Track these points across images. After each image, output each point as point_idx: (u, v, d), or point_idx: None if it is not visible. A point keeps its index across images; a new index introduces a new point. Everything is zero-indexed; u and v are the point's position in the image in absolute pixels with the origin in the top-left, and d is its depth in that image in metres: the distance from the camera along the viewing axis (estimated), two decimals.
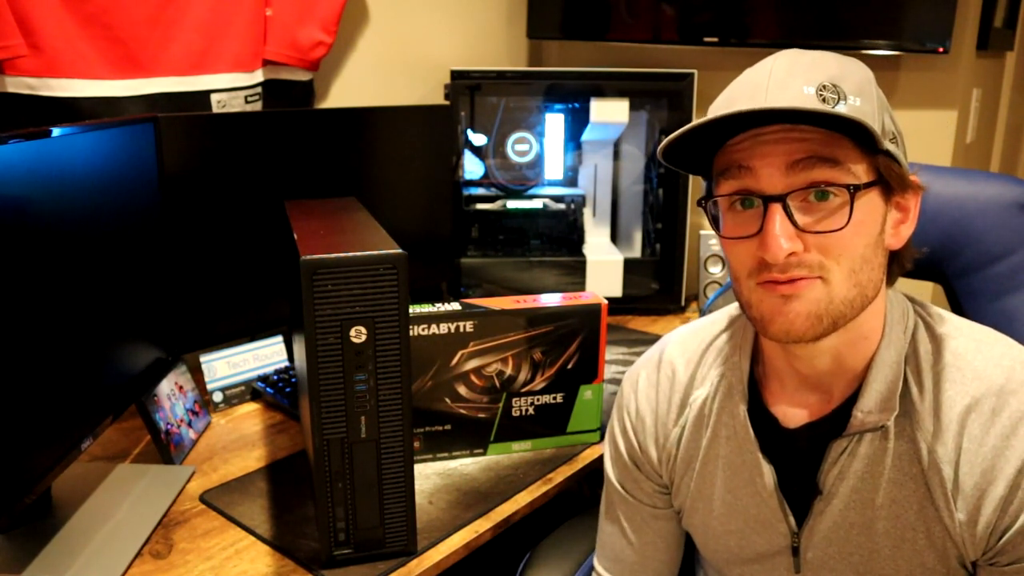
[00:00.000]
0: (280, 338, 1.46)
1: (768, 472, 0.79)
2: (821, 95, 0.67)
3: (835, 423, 0.76)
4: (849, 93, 0.68)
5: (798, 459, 0.78)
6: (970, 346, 0.74)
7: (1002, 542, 0.70)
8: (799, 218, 0.68)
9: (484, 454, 1.20)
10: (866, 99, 0.69)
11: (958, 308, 1.03)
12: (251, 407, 1.38)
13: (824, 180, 0.67)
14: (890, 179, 0.70)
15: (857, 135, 0.67)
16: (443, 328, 1.13)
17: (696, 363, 0.87)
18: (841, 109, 0.66)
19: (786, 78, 0.68)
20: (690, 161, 0.76)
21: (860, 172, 0.69)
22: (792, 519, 0.79)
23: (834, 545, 0.77)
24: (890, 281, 0.76)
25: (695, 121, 0.69)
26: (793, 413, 0.79)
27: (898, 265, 0.76)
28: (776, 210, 0.68)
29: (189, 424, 1.25)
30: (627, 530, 0.93)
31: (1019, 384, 0.71)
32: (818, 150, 0.67)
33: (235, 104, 1.45)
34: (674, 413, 0.87)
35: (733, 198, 0.71)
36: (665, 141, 0.72)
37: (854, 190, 0.67)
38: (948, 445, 0.72)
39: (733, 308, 0.89)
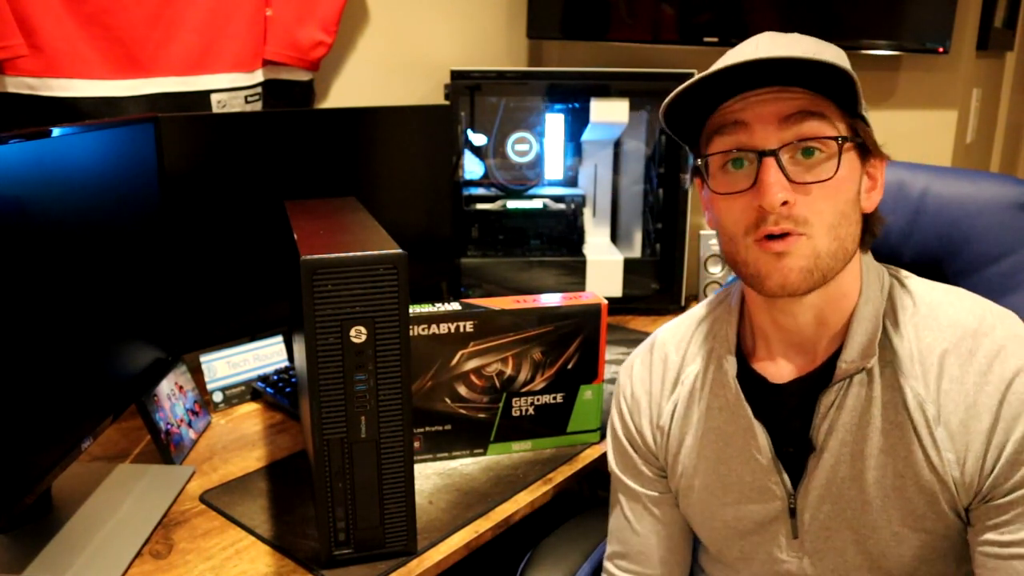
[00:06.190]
0: (280, 338, 1.46)
1: (762, 434, 0.82)
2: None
3: (821, 378, 0.80)
4: (831, 60, 0.73)
5: (789, 418, 0.82)
6: (944, 299, 0.80)
7: (994, 475, 0.73)
8: (790, 170, 0.74)
9: (484, 454, 1.20)
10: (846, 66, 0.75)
11: None
12: (251, 407, 1.38)
13: (813, 134, 0.74)
14: (866, 141, 0.77)
15: (839, 98, 0.74)
16: (443, 328, 1.13)
17: (687, 343, 0.92)
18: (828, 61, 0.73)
19: (771, 47, 0.74)
20: (683, 126, 0.81)
21: (843, 129, 0.75)
22: (787, 478, 0.82)
23: (828, 502, 0.80)
24: (864, 246, 0.81)
25: (700, 74, 0.74)
26: (780, 368, 0.83)
27: (869, 232, 0.81)
28: (770, 163, 0.73)
29: (189, 424, 1.25)
30: (631, 519, 0.95)
31: (990, 327, 0.76)
32: (807, 106, 0.74)
33: (235, 104, 1.45)
34: (668, 390, 0.92)
35: (726, 156, 0.76)
36: (671, 95, 0.76)
37: (842, 141, 0.74)
38: (931, 386, 0.76)
39: (713, 295, 0.94)
